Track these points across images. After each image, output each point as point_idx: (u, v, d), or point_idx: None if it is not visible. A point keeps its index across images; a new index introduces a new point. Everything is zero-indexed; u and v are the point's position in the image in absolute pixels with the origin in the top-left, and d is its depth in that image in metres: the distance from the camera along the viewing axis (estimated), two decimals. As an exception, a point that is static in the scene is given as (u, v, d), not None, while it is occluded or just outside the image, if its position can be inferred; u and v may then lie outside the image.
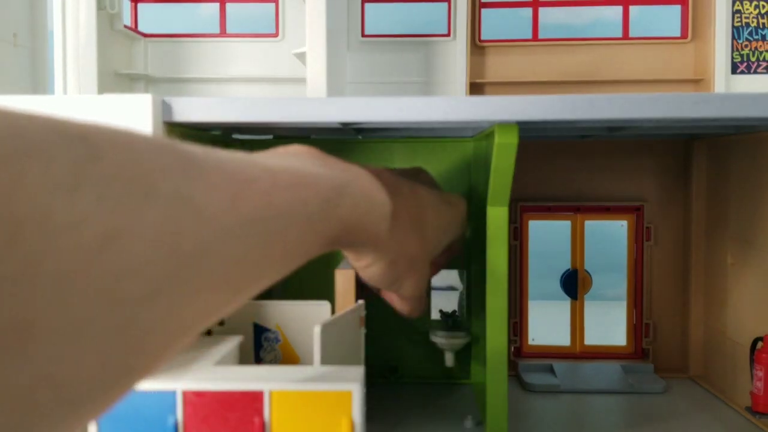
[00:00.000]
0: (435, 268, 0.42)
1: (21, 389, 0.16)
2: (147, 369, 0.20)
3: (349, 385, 0.34)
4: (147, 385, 0.32)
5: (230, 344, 0.39)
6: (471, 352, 0.58)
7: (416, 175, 0.45)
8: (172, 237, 0.20)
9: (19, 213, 0.16)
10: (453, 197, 0.46)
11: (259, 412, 0.33)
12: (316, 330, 0.37)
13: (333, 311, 0.45)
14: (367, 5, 0.68)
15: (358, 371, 0.37)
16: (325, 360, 0.37)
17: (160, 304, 0.19)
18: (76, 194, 0.17)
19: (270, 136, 0.59)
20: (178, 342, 0.21)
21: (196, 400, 0.33)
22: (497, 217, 0.44)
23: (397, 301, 0.43)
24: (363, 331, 0.45)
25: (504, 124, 0.42)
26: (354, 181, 0.32)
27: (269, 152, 0.31)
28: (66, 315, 0.16)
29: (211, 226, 0.21)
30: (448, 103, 0.41)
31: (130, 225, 0.18)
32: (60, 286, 0.16)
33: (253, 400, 0.33)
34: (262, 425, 0.33)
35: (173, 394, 0.32)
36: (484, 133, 0.51)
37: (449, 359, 0.53)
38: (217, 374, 0.34)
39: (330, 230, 0.29)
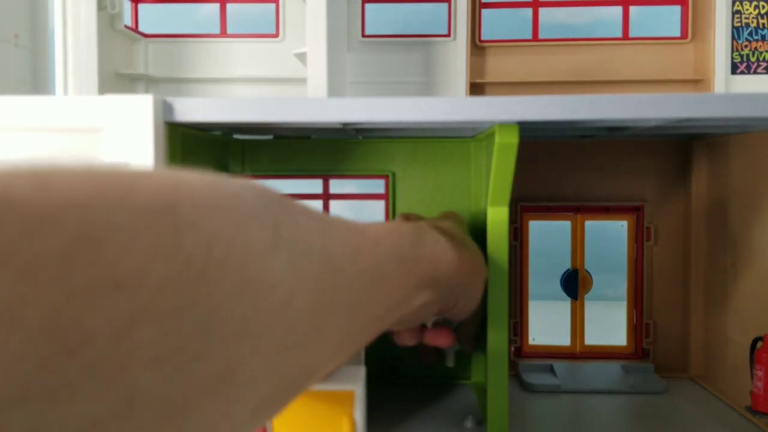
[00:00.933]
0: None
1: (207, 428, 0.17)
2: (276, 413, 0.21)
3: (351, 385, 0.34)
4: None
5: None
6: (471, 352, 0.58)
7: (420, 219, 0.48)
8: (318, 290, 0.21)
9: (248, 275, 0.17)
10: (449, 213, 0.51)
11: (260, 411, 0.33)
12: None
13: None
14: (367, 5, 0.68)
15: (359, 371, 0.37)
16: (326, 360, 0.37)
17: (302, 352, 0.21)
18: (275, 257, 0.19)
19: (270, 136, 0.59)
20: (304, 388, 0.22)
21: (197, 399, 0.33)
22: (497, 217, 0.44)
23: (463, 335, 0.47)
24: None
25: (504, 124, 0.42)
26: (424, 225, 0.37)
27: None
28: (249, 365, 0.18)
29: (341, 278, 0.24)
30: (449, 103, 0.41)
31: (300, 283, 0.20)
32: (255, 341, 0.18)
33: (254, 399, 0.33)
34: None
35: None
36: (484, 133, 0.51)
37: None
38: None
39: (419, 270, 0.33)
